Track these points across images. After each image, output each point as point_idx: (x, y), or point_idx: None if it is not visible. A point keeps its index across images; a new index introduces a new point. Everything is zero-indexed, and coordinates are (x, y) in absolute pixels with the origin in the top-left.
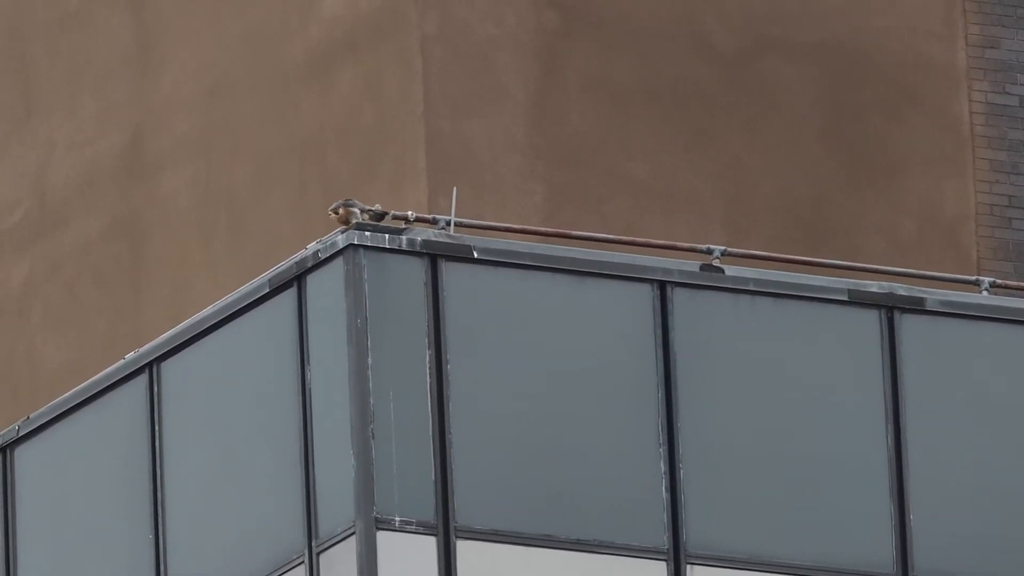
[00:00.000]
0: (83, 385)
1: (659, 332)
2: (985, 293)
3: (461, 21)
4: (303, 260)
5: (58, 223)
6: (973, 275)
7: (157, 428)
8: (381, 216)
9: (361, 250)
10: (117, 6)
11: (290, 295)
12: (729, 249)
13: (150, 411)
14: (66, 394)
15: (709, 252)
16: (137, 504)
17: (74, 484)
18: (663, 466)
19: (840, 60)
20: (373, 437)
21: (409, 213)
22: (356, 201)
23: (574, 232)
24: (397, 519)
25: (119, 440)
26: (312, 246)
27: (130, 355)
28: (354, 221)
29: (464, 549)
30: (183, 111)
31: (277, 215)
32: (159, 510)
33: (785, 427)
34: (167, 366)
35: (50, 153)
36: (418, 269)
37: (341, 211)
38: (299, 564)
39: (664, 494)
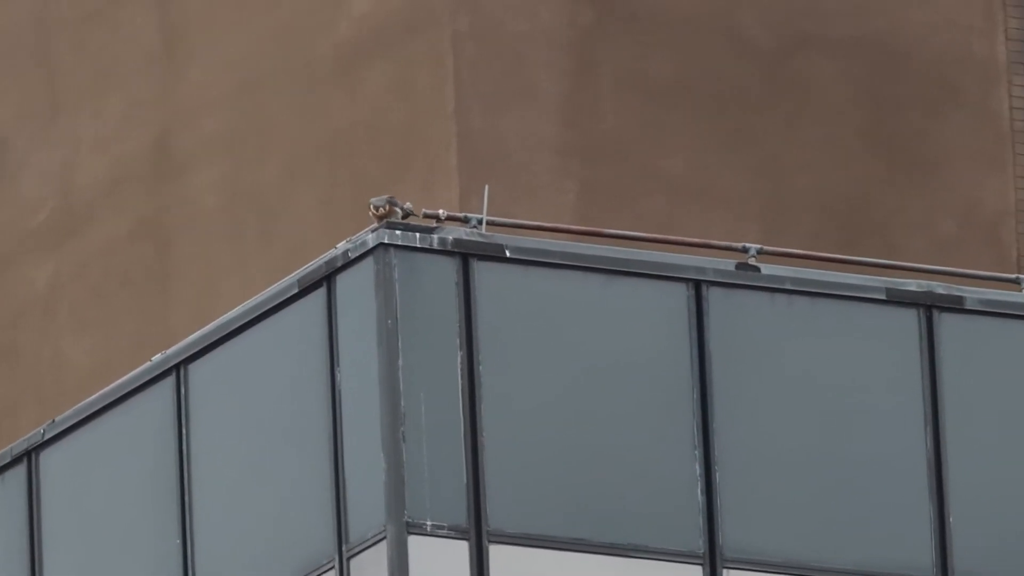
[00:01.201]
0: (109, 388)
1: (694, 332)
2: None
3: (493, 17)
4: (333, 260)
5: (84, 223)
6: (1014, 273)
7: (185, 431)
8: (407, 215)
9: (392, 249)
10: (143, 3)
11: (319, 295)
12: (765, 247)
13: (177, 414)
14: (92, 397)
15: (745, 250)
16: (164, 509)
17: (100, 489)
18: (698, 468)
19: (879, 56)
20: (404, 440)
21: (440, 212)
22: (397, 200)
23: (607, 230)
24: (429, 523)
25: (146, 444)
26: (342, 245)
27: (157, 357)
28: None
29: (497, 553)
30: (210, 109)
31: (306, 215)
32: (187, 515)
33: (822, 429)
34: (195, 368)
35: (76, 152)
36: (449, 268)
37: (385, 207)
38: (329, 569)
39: (699, 497)
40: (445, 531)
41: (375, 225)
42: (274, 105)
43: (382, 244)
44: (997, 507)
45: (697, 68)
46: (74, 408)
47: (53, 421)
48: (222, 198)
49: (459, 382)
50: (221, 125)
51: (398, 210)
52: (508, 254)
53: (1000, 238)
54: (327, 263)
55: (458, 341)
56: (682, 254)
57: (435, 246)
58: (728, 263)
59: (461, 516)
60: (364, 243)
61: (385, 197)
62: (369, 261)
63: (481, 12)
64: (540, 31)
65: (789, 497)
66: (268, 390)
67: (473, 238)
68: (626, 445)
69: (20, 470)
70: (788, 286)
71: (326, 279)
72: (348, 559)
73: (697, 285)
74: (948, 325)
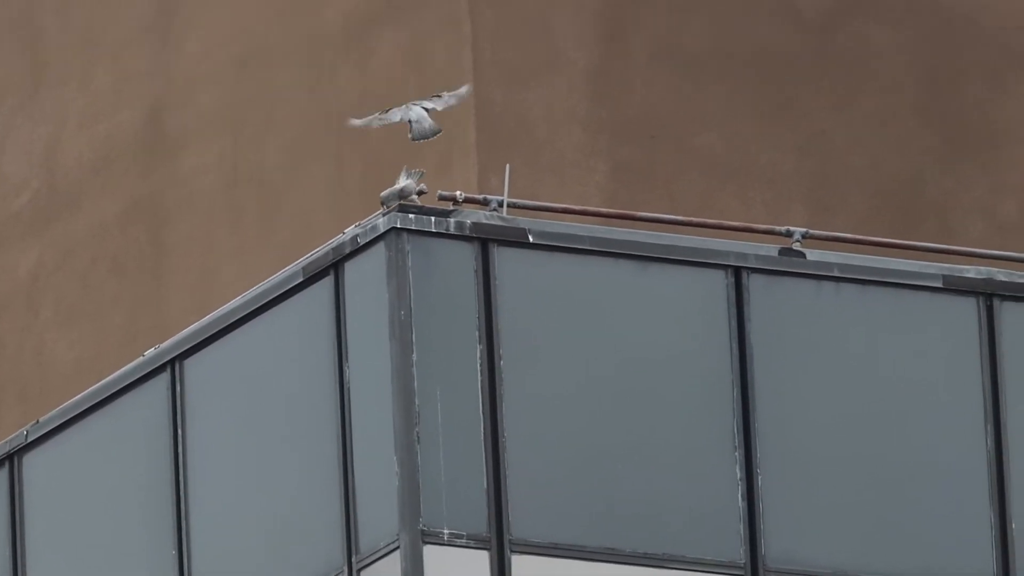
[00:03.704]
0: (98, 385)
1: (734, 323)
2: None
3: None
4: (341, 246)
5: (70, 205)
6: None
7: (180, 432)
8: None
9: (405, 234)
10: None
11: (326, 284)
12: (811, 231)
13: (172, 414)
14: (79, 395)
15: (789, 234)
16: (158, 517)
17: (88, 496)
18: (739, 471)
19: (937, 22)
20: (418, 441)
21: (458, 193)
22: (406, 181)
23: (639, 213)
24: (445, 532)
25: (138, 446)
26: (351, 230)
27: (150, 352)
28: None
29: (520, 564)
30: (208, 82)
31: (312, 196)
32: (183, 523)
33: (873, 427)
34: (191, 364)
35: (62, 128)
36: (467, 255)
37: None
38: None
39: (740, 502)
40: (463, 540)
41: (386, 207)
42: (277, 77)
43: (394, 228)
44: None
45: (737, 36)
46: (60, 408)
47: (37, 422)
48: (221, 179)
49: (478, 378)
50: (220, 99)
51: (410, 184)
52: (531, 239)
53: None
54: (335, 249)
55: (477, 334)
56: (721, 239)
57: (452, 230)
58: (771, 248)
59: (481, 524)
60: (375, 227)
61: (397, 189)
62: (380, 247)
63: None
64: None
65: (837, 502)
66: (271, 388)
67: (493, 222)
68: (660, 446)
69: (1, 475)
70: (836, 273)
71: (334, 267)
72: (358, 571)
73: (737, 272)
74: (1010, 314)
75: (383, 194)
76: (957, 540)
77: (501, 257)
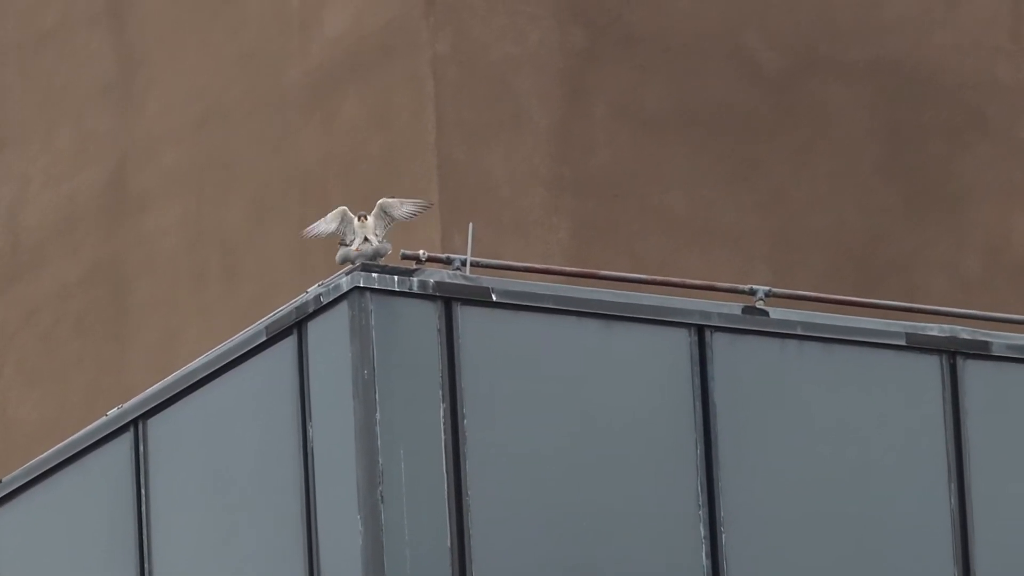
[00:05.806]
0: (62, 445)
1: (697, 381)
2: None
3: (477, 40)
4: (304, 305)
5: (33, 266)
6: None
7: (144, 492)
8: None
9: (368, 293)
10: (97, 26)
11: (289, 344)
12: (774, 289)
13: (135, 473)
14: (42, 455)
15: (752, 293)
16: None
17: (52, 554)
18: (703, 530)
19: (898, 80)
20: (382, 500)
21: (420, 252)
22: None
23: (602, 272)
24: None
25: (102, 505)
26: (313, 289)
27: (113, 411)
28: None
29: None
30: (171, 142)
31: (275, 256)
32: None
33: (837, 485)
34: (154, 423)
35: (24, 189)
36: (431, 314)
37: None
38: None
39: (704, 561)
40: None
41: (349, 267)
42: (240, 137)
43: (357, 288)
44: None
45: (699, 95)
46: (23, 468)
47: (0, 481)
48: (183, 238)
49: (442, 437)
50: (182, 159)
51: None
52: (495, 298)
53: None
54: (298, 309)
55: (440, 392)
56: (684, 297)
57: (415, 289)
58: (734, 307)
59: None
60: (338, 287)
61: (372, 250)
62: (343, 306)
63: (464, 34)
64: (528, 55)
65: (802, 560)
66: (234, 447)
67: (456, 281)
68: (624, 505)
69: None
70: (799, 331)
71: (297, 326)
72: None
73: (700, 331)
74: (973, 373)
75: (353, 254)
76: None
77: (464, 316)
